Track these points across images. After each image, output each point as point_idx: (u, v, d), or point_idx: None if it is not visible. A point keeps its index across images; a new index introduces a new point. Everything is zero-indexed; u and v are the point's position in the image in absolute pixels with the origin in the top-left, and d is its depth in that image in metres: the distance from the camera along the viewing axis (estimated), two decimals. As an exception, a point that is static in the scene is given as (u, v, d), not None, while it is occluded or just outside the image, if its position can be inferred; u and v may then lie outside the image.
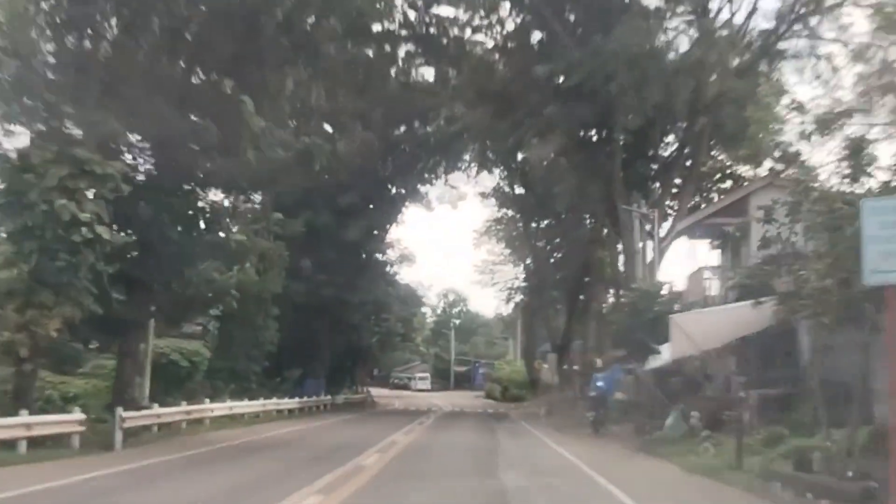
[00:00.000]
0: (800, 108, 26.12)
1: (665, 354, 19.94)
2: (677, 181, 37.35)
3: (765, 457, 12.79)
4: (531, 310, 58.49)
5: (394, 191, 47.14)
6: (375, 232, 39.02)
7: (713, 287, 22.32)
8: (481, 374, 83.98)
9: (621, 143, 34.52)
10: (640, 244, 31.98)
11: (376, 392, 64.97)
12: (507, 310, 72.61)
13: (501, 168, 45.07)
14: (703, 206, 39.48)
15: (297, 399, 32.67)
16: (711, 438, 16.06)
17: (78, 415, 16.46)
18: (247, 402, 27.09)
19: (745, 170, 39.36)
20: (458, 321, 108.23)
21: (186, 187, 20.14)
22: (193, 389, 24.97)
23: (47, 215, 15.08)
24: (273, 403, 29.59)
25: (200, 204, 20.96)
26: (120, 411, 16.78)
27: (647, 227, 32.02)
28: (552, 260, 54.78)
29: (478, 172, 45.06)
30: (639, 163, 36.65)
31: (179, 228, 19.70)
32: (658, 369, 21.50)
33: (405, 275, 58.75)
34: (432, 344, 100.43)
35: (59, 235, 15.19)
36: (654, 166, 37.67)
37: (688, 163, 36.84)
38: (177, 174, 19.31)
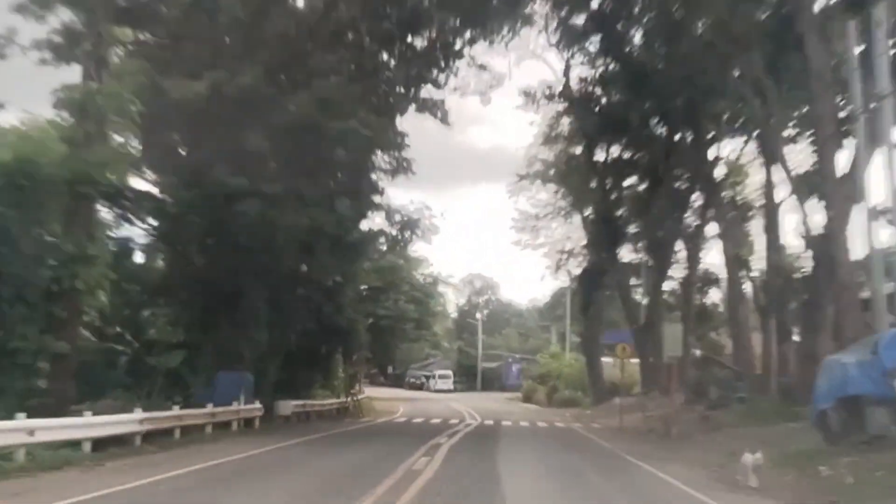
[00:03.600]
0: None
1: None
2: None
3: None
4: (592, 279, 40.74)
5: (385, 87, 30.23)
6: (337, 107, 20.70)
7: None
8: (516, 372, 68.02)
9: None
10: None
11: (386, 393, 53.30)
12: (552, 285, 55.59)
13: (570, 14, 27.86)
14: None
15: (138, 415, 14.15)
16: None
17: None
18: None
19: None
20: (486, 311, 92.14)
21: None
22: None
23: None
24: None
25: None
26: None
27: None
28: (621, 212, 37.52)
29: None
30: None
31: None
32: None
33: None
34: (455, 338, 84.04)
35: None
36: None
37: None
38: None
